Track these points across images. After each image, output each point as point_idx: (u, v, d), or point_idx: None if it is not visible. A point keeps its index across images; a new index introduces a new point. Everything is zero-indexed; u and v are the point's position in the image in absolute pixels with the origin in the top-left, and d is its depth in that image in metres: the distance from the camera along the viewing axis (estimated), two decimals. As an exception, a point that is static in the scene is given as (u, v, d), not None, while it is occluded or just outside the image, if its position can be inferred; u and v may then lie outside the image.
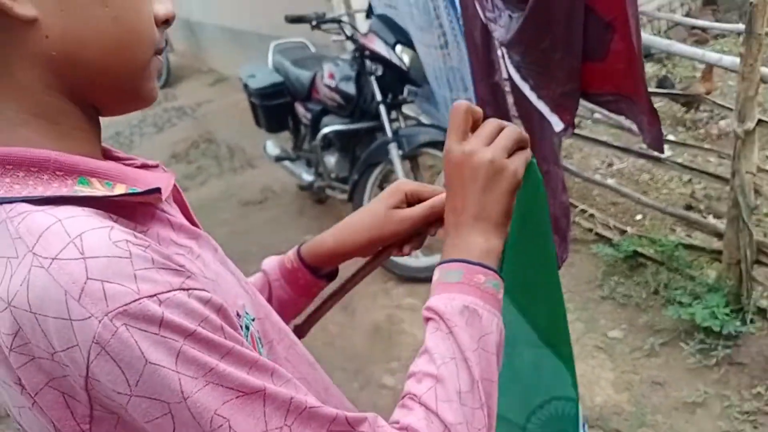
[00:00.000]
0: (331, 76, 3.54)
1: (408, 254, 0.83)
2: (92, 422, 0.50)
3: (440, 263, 0.69)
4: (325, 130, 3.55)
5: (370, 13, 3.62)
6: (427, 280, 2.95)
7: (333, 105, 3.56)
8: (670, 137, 3.79)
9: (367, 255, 0.85)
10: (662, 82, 4.41)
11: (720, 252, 2.67)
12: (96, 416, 0.50)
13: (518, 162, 0.70)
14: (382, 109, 3.27)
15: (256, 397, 0.51)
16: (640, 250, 2.98)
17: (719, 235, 2.72)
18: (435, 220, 0.80)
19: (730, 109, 2.54)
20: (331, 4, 4.63)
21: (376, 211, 0.81)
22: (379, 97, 3.28)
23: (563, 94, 1.87)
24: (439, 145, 3.23)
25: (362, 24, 3.95)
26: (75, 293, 0.47)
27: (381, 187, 3.50)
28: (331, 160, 3.68)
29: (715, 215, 3.18)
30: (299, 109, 3.91)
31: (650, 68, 4.93)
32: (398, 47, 3.28)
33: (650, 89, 4.08)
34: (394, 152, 3.20)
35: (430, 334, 0.65)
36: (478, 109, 0.71)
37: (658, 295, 2.79)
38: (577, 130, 3.12)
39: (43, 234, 0.49)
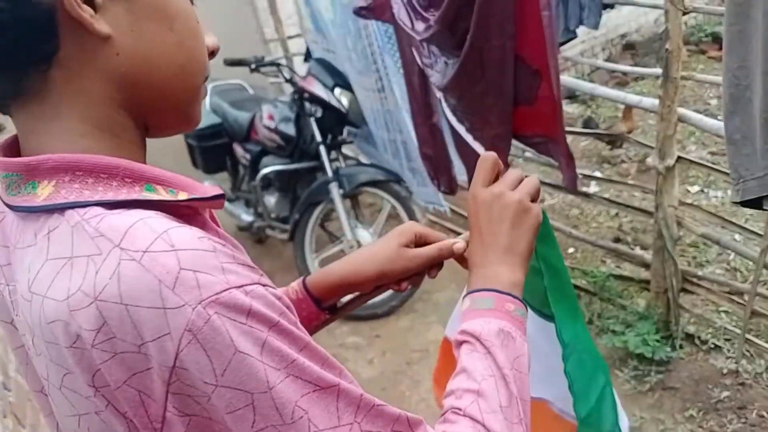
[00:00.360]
0: (271, 118, 3.57)
1: (404, 290, 0.87)
2: (164, 423, 0.50)
3: (470, 292, 0.74)
4: (265, 170, 3.57)
5: (308, 56, 3.69)
6: (370, 318, 2.96)
7: (272, 146, 3.58)
8: (597, 174, 3.99)
9: (371, 288, 0.87)
10: (587, 123, 4.64)
11: (648, 281, 2.81)
12: (168, 418, 0.50)
13: (538, 207, 0.77)
14: (322, 149, 3.32)
15: (330, 391, 0.53)
16: (573, 281, 3.09)
17: (647, 266, 2.86)
18: (437, 264, 0.85)
19: (651, 147, 2.71)
20: (268, 47, 4.69)
21: (388, 247, 0.85)
22: (318, 138, 3.33)
23: (496, 136, 1.97)
24: (378, 183, 3.29)
25: (300, 67, 4.01)
26: (169, 282, 0.48)
27: (322, 226, 3.53)
28: (271, 200, 3.68)
29: (642, 246, 3.35)
30: (238, 150, 3.91)
31: (575, 109, 5.19)
32: (337, 90, 3.35)
33: (577, 129, 4.31)
34: (335, 191, 3.25)
35: (466, 355, 0.68)
36: (500, 163, 0.79)
37: (593, 324, 2.90)
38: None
39: (128, 230, 0.50)
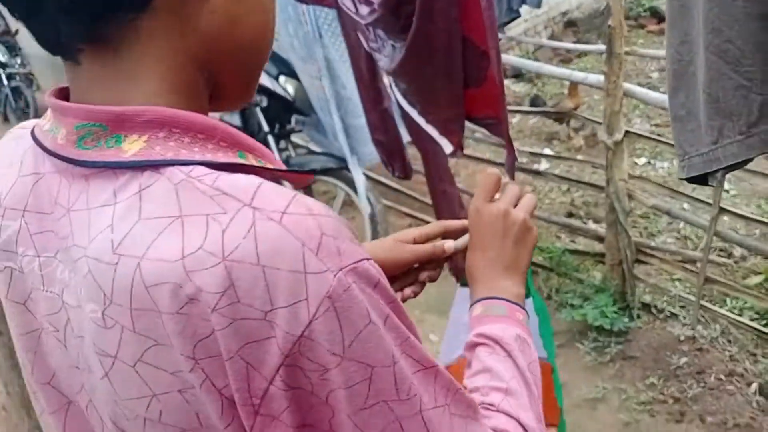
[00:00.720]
0: (215, 110, 3.48)
1: (405, 299, 0.87)
2: (264, 398, 0.47)
3: (481, 299, 0.76)
4: (213, 164, 3.48)
5: (250, 45, 3.60)
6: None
7: (219, 139, 3.49)
8: (547, 151, 4.02)
9: None
10: (534, 101, 4.68)
11: (603, 254, 2.85)
12: (271, 392, 0.47)
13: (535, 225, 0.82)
14: (270, 139, 3.25)
15: (431, 372, 0.53)
16: (530, 259, 3.12)
17: (601, 239, 2.90)
18: (434, 267, 0.87)
19: (599, 123, 2.74)
20: (208, 37, 4.56)
21: (384, 241, 0.87)
22: (266, 128, 3.25)
23: (449, 119, 1.94)
24: (331, 171, 3.24)
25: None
26: (313, 246, 0.46)
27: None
28: (221, 194, 3.60)
29: (595, 220, 3.39)
30: (184, 145, 3.81)
31: (522, 88, 5.22)
32: (282, 78, 3.27)
33: (525, 108, 4.33)
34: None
35: (487, 356, 0.70)
36: (502, 179, 0.83)
37: (551, 299, 2.93)
38: (462, 150, 3.24)
39: (257, 191, 0.48)
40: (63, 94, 0.57)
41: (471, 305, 0.77)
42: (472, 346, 0.72)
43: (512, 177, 2.03)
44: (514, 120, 4.60)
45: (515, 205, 0.80)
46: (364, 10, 1.92)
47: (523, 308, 0.76)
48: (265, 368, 0.46)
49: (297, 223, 0.46)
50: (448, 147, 1.92)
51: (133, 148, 0.50)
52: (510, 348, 0.70)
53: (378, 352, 0.48)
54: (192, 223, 0.47)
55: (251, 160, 0.53)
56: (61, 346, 0.56)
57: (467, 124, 2.10)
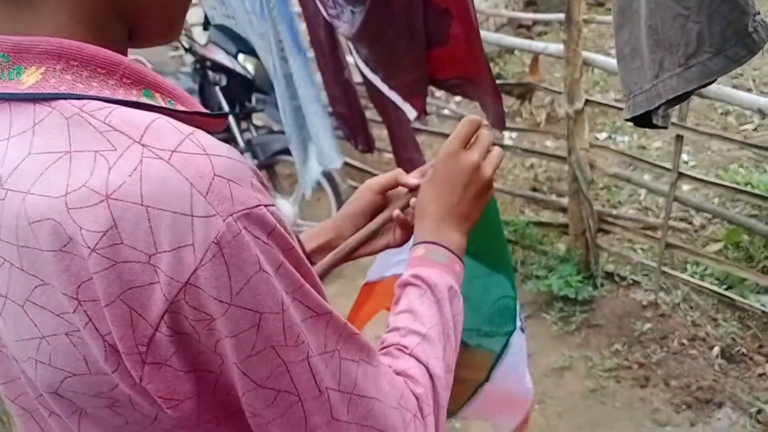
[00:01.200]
0: (173, 91, 3.39)
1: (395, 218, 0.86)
2: (150, 344, 0.45)
3: (425, 242, 0.77)
4: (173, 146, 3.39)
5: (207, 24, 3.52)
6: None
7: (178, 120, 3.41)
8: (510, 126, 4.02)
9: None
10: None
11: (566, 225, 2.87)
12: (157, 338, 0.45)
13: None
14: (231, 119, 3.19)
15: (324, 319, 0.52)
16: (495, 233, 3.12)
17: (564, 210, 2.92)
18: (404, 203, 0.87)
19: (559, 92, 2.75)
20: (164, 18, 4.45)
21: (358, 192, 0.90)
22: (226, 107, 3.19)
23: (412, 82, 1.92)
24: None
25: (200, 36, 3.83)
26: (202, 188, 0.44)
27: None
28: (181, 177, 3.52)
29: (558, 194, 3.41)
30: (141, 128, 3.71)
31: (484, 67, 5.22)
32: (241, 56, 3.20)
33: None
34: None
35: (416, 298, 0.71)
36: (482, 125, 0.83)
37: (517, 272, 2.94)
38: (425, 127, 3.22)
39: (149, 127, 0.45)
40: None
41: (414, 244, 0.78)
42: (405, 284, 0.73)
43: (501, 129, 2.01)
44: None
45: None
46: (321, -27, 1.88)
47: (463, 262, 0.78)
48: (149, 314, 0.45)
49: (186, 162, 0.44)
50: (411, 112, 1.91)
51: (30, 80, 0.48)
52: (441, 296, 0.71)
53: (267, 299, 0.47)
54: (80, 159, 0.45)
55: (159, 100, 0.51)
56: None
57: (432, 101, 2.09)
